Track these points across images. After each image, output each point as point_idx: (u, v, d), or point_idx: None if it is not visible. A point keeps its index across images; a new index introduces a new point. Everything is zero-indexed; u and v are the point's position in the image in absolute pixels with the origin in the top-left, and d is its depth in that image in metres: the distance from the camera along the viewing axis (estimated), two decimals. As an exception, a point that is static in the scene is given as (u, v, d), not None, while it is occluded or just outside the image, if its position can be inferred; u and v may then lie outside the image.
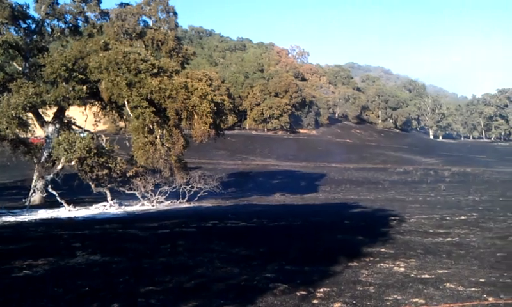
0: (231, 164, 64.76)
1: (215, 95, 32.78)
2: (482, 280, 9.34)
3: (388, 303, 7.52)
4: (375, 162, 78.30)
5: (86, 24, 31.93)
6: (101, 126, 35.19)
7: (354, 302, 7.63)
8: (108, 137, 32.45)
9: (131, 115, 27.53)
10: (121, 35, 31.41)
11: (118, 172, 28.84)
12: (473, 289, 8.63)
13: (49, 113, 30.78)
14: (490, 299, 7.88)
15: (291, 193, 39.88)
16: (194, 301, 7.62)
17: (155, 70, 27.31)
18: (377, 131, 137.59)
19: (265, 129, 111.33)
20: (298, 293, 8.07)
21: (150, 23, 33.63)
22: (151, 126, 27.47)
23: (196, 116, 27.94)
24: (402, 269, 10.24)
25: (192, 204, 29.91)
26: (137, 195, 29.30)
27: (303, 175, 56.73)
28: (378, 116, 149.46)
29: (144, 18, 33.39)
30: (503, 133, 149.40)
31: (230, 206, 29.50)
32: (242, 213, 23.39)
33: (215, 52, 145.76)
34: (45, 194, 29.01)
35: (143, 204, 28.88)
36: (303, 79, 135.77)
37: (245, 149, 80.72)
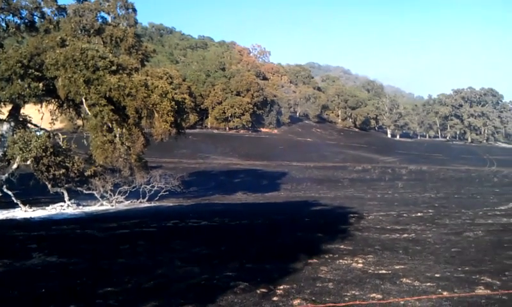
0: (192, 163, 64.35)
1: (176, 93, 32.49)
2: (437, 275, 9.65)
3: (347, 299, 7.68)
4: (335, 160, 79.45)
5: (42, 20, 30.91)
6: (58, 125, 34.15)
7: (313, 298, 7.75)
8: (65, 136, 31.59)
9: (89, 113, 26.89)
10: (79, 31, 30.63)
11: (76, 171, 28.16)
12: (428, 284, 8.92)
13: (4, 111, 29.71)
14: (445, 293, 8.16)
15: (253, 192, 40.01)
16: (154, 301, 7.56)
17: (114, 67, 26.77)
18: (337, 130, 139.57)
19: (227, 128, 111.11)
20: (258, 291, 8.13)
21: (109, 19, 32.95)
22: (110, 125, 26.91)
23: (156, 115, 27.58)
24: (360, 265, 10.47)
25: (153, 204, 29.56)
26: (96, 195, 28.72)
27: (264, 174, 56.99)
28: (338, 115, 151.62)
29: (102, 14, 32.66)
30: (458, 133, 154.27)
31: (191, 205, 29.34)
32: (204, 212, 23.31)
33: (176, 50, 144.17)
34: (0, 195, 28.04)
35: (101, 205, 28.32)
36: (265, 78, 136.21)
37: (207, 148, 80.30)
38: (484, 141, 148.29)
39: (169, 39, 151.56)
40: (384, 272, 9.86)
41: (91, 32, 31.01)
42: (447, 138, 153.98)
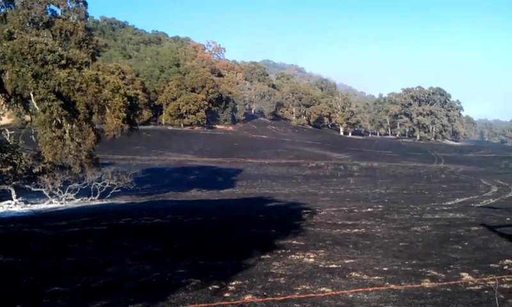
0: (146, 160, 63.41)
1: (128, 89, 31.95)
2: (385, 268, 9.94)
3: (297, 293, 7.79)
4: (289, 157, 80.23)
5: (-12, 12, 29.72)
6: (5, 120, 32.89)
7: (264, 293, 7.82)
8: (13, 132, 30.37)
9: (37, 108, 25.98)
10: (27, 24, 29.58)
11: (24, 168, 27.16)
12: (376, 277, 9.17)
13: None
14: (392, 285, 8.41)
15: (208, 188, 39.84)
16: (103, 300, 7.42)
17: (64, 62, 25.98)
18: (291, 127, 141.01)
19: (182, 124, 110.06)
20: (210, 288, 8.12)
21: (59, 12, 31.99)
22: (59, 120, 26.10)
23: (108, 110, 26.99)
24: (311, 260, 10.63)
25: (104, 202, 28.90)
26: (45, 192, 27.79)
27: (219, 170, 56.87)
28: (292, 113, 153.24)
29: (52, 7, 31.70)
30: (407, 130, 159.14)
31: (144, 202, 28.86)
32: (157, 209, 22.99)
33: (129, 44, 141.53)
34: None
35: (50, 202, 27.44)
36: (220, 75, 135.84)
37: (161, 144, 79.29)
38: (432, 139, 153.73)
39: (121, 34, 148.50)
40: (334, 266, 10.06)
41: (40, 25, 30.01)
42: (397, 136, 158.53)
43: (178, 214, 20.11)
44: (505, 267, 10.03)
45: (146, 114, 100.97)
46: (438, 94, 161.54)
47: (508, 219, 18.47)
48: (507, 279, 8.82)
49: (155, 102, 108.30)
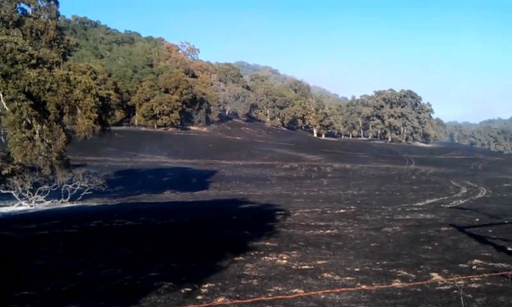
0: (119, 161, 62.60)
1: (100, 89, 31.55)
2: (357, 269, 10.06)
3: (270, 295, 7.81)
4: (263, 158, 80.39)
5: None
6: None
7: (237, 295, 7.82)
8: (-20, 133, 29.67)
9: (7, 108, 25.37)
10: (-4, 23, 28.86)
11: (-8, 170, 26.55)
12: (348, 278, 9.27)
13: None
14: (363, 286, 8.51)
15: (181, 190, 39.62)
16: (73, 304, 7.30)
17: (34, 61, 25.47)
18: (265, 129, 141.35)
19: (155, 125, 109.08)
20: (183, 290, 8.08)
21: (29, 11, 31.25)
22: (29, 121, 25.57)
23: (79, 111, 26.61)
24: (284, 261, 10.68)
25: (75, 204, 28.45)
26: (14, 195, 27.21)
27: (193, 172, 56.61)
28: (266, 114, 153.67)
29: (22, 5, 30.95)
30: (379, 132, 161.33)
31: (116, 205, 28.52)
32: (130, 211, 22.74)
33: (101, 44, 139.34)
34: None
35: (20, 205, 26.90)
36: (194, 76, 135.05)
37: (134, 146, 78.40)
38: (404, 141, 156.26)
39: (93, 33, 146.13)
40: (307, 267, 10.13)
41: (10, 24, 29.25)
42: (369, 137, 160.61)
43: (151, 216, 19.94)
44: (474, 267, 10.26)
45: (119, 114, 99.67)
46: (409, 96, 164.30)
47: (477, 219, 18.91)
48: (476, 279, 9.01)
49: (128, 103, 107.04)
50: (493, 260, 10.87)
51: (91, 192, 30.30)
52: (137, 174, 52.09)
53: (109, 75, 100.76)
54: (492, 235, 14.47)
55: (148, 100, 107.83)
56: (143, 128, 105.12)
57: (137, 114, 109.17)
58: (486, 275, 9.17)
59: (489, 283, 8.74)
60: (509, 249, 12.23)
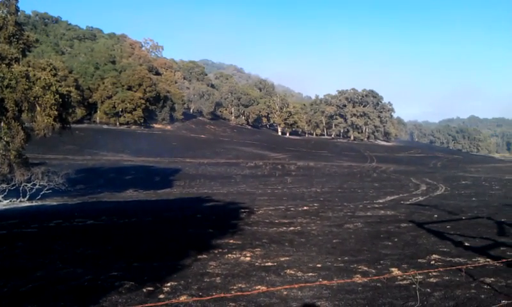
0: (79, 160, 61.31)
1: (60, 86, 30.76)
2: (319, 265, 10.19)
3: (233, 292, 7.83)
4: (228, 157, 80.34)
5: None
6: None
7: (200, 293, 7.80)
8: None
9: (-39, 105, 24.57)
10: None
11: None
12: (310, 274, 9.39)
13: None
14: (325, 281, 8.63)
15: (145, 189, 39.14)
16: (31, 305, 7.11)
17: (-9, 57, 24.70)
18: (230, 127, 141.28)
19: (118, 123, 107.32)
20: (145, 290, 8.00)
21: (-14, 6, 30.25)
22: (-15, 118, 24.81)
23: (38, 108, 25.96)
24: (248, 259, 10.72)
25: (34, 203, 27.70)
26: (-31, 194, 26.31)
27: (157, 170, 55.98)
28: (231, 113, 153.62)
29: (-21, 0, 29.93)
30: (342, 131, 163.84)
31: (77, 204, 27.92)
32: (91, 210, 22.31)
33: (62, 40, 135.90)
34: None
35: (-25, 205, 26.01)
36: (157, 73, 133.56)
37: (95, 144, 76.91)
38: (365, 139, 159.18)
39: (54, 29, 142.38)
40: (270, 264, 10.20)
41: (-35, 18, 28.26)
42: (332, 136, 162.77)
43: (113, 215, 19.62)
44: (432, 262, 10.54)
45: (80, 112, 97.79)
46: (371, 96, 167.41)
47: (436, 215, 19.47)
48: (434, 274, 9.27)
49: (90, 100, 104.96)
50: (451, 255, 11.21)
51: (50, 191, 29.57)
52: (98, 172, 51.12)
53: (70, 72, 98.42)
54: (450, 231, 14.92)
55: (110, 97, 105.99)
56: (105, 126, 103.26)
57: (99, 112, 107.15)
58: (441, 269, 9.46)
59: (446, 277, 9.01)
60: (466, 244, 12.64)
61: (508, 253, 11.33)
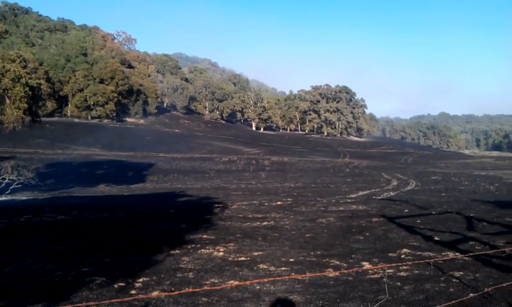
0: (50, 154, 60.11)
1: (31, 78, 30.06)
2: (291, 259, 10.27)
3: (205, 287, 7.83)
4: (202, 151, 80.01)
5: None
6: None
7: (172, 289, 7.78)
8: None
9: None
10: None
11: None
12: (283, 268, 9.46)
13: None
14: (297, 275, 8.71)
15: (117, 184, 38.67)
16: (0, 302, 6.98)
17: (-44, 47, 23.98)
18: (204, 122, 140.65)
19: (89, 117, 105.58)
20: (116, 285, 7.92)
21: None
22: (-49, 111, 24.10)
23: (8, 101, 25.37)
24: (221, 254, 10.73)
25: (3, 198, 27.07)
26: None
27: (130, 165, 55.35)
28: (205, 107, 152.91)
29: None
30: (315, 126, 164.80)
31: (47, 198, 27.42)
32: (61, 206, 21.93)
33: (32, 31, 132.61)
34: None
35: None
36: (130, 66, 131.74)
37: (66, 137, 75.52)
38: (339, 135, 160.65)
39: (24, 20, 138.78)
40: (243, 259, 10.23)
41: None
42: (306, 131, 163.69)
43: (84, 211, 19.34)
44: (403, 256, 10.73)
45: (50, 105, 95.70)
46: (344, 92, 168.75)
47: (406, 210, 19.82)
48: (404, 268, 9.45)
49: (60, 93, 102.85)
50: (421, 249, 11.43)
51: (20, 185, 28.95)
52: (69, 167, 50.23)
53: (41, 64, 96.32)
54: (420, 225, 15.22)
55: (81, 90, 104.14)
56: (76, 120, 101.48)
57: (70, 105, 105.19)
58: (411, 263, 9.64)
59: (416, 271, 9.19)
60: (436, 238, 12.91)
61: (476, 247, 11.62)
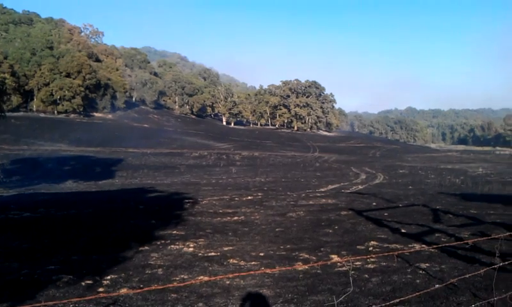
0: (15, 150, 58.59)
1: (-7, 72, 29.26)
2: (261, 254, 10.32)
3: (175, 283, 7.79)
4: (172, 146, 79.39)
5: None
6: None
7: (141, 285, 7.71)
8: None
9: None
10: None
11: None
12: (253, 262, 9.50)
13: None
14: (267, 270, 8.76)
15: (85, 180, 38.04)
16: (-38, 303, 6.80)
17: None
18: (174, 116, 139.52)
19: (56, 111, 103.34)
20: (83, 283, 7.81)
21: None
22: None
23: (-31, 95, 24.57)
24: (191, 249, 10.69)
25: (-35, 196, 26.31)
26: None
27: (98, 161, 54.47)
28: (175, 102, 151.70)
29: None
30: (286, 121, 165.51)
31: (13, 195, 26.73)
32: (27, 203, 21.39)
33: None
34: None
35: None
36: (98, 60, 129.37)
37: (32, 133, 73.71)
38: (308, 129, 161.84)
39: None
40: (213, 254, 10.22)
41: None
42: (277, 126, 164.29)
43: (51, 207, 18.92)
44: (371, 248, 10.92)
45: (16, 100, 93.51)
46: (314, 87, 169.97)
47: (374, 203, 20.15)
48: (372, 260, 9.60)
49: (26, 87, 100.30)
50: (388, 242, 11.65)
51: (-17, 182, 28.19)
52: (36, 163, 49.10)
53: (5, 58, 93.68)
54: (388, 218, 15.50)
55: (47, 84, 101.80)
56: (42, 115, 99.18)
57: (35, 100, 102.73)
58: (377, 255, 9.81)
59: (384, 263, 9.36)
60: (403, 230, 13.18)
61: (442, 239, 11.91)
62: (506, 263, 8.62)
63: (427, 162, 70.13)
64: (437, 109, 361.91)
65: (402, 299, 6.82)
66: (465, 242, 10.98)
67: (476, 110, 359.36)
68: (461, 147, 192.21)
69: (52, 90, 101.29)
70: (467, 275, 7.91)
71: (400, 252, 9.37)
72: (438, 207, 18.37)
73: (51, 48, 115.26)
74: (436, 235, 12.61)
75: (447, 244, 10.64)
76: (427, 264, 9.28)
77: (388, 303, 6.77)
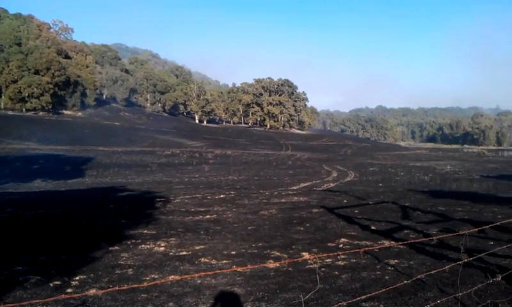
0: (-19, 148, 57.10)
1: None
2: (233, 252, 10.33)
3: (145, 283, 7.73)
4: (144, 145, 78.59)
5: None
6: None
7: (110, 286, 7.62)
8: None
9: None
10: None
11: None
12: (225, 261, 9.50)
13: None
14: (238, 268, 8.77)
15: (54, 179, 37.27)
16: None
17: None
18: (146, 114, 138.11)
19: (24, 109, 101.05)
20: (52, 284, 7.67)
21: None
22: None
23: None
24: (162, 249, 10.62)
25: None
26: None
27: (67, 159, 53.45)
28: (147, 100, 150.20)
29: None
30: (258, 119, 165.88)
31: (-22, 195, 26.02)
32: (-7, 202, 20.88)
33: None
34: None
35: None
36: (67, 57, 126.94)
37: (0, 131, 71.97)
38: (281, 128, 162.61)
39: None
40: (184, 253, 10.18)
41: None
42: (249, 124, 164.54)
43: (19, 207, 18.50)
44: (341, 245, 11.06)
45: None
46: (286, 85, 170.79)
47: (345, 201, 20.40)
48: (342, 257, 9.72)
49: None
50: (359, 239, 11.82)
51: None
52: (3, 161, 47.90)
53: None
54: (358, 215, 15.72)
55: (15, 81, 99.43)
56: (10, 112, 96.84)
57: (3, 97, 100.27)
58: (341, 253, 9.95)
59: (354, 260, 9.50)
60: (372, 227, 13.39)
61: (411, 236, 12.14)
62: (471, 258, 8.85)
63: (396, 159, 71.34)
64: (407, 108, 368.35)
65: (370, 295, 6.93)
66: (432, 238, 11.23)
67: (445, 109, 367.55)
68: (430, 145, 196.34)
69: (20, 87, 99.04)
70: (434, 271, 8.09)
71: (368, 248, 9.50)
72: (407, 204, 18.72)
73: (19, 44, 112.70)
74: (405, 231, 12.85)
75: (416, 241, 10.86)
76: (396, 260, 9.45)
77: (356, 299, 6.87)
